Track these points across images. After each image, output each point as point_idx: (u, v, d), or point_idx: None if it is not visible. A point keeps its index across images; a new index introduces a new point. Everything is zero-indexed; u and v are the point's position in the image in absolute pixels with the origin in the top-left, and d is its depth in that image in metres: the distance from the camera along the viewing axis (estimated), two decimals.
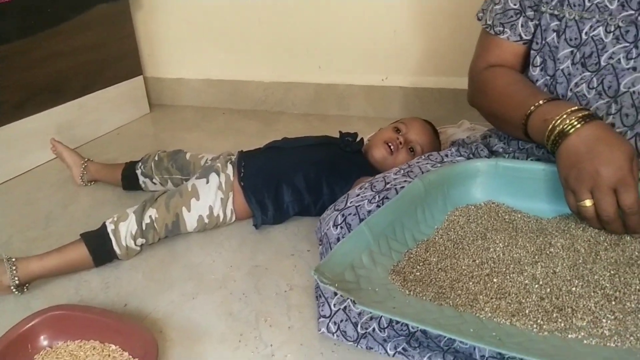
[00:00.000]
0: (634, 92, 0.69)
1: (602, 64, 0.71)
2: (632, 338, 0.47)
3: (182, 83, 1.85)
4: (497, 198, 0.74)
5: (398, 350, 0.70)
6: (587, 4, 0.71)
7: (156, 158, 1.16)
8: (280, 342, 0.74)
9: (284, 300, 0.83)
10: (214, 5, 1.68)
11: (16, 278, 0.82)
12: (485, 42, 0.86)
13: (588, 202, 0.61)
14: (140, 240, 0.92)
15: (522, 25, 0.80)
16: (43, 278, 0.86)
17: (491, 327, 0.50)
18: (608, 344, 0.47)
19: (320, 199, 1.01)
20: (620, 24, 0.69)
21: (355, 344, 0.71)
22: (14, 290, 0.82)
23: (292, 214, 1.03)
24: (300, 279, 0.87)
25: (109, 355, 0.70)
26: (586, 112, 0.66)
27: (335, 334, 0.72)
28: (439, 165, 0.84)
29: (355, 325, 0.71)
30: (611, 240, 0.61)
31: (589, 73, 0.73)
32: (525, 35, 0.80)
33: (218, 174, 1.01)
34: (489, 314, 0.52)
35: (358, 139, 1.11)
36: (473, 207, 0.73)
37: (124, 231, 0.90)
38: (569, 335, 0.49)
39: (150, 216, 0.93)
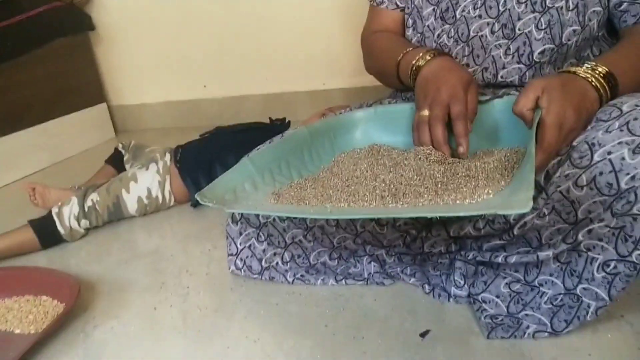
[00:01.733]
0: (481, 35, 0.80)
1: (457, 16, 0.83)
2: (440, 201, 0.55)
3: (145, 108, 1.98)
4: (379, 140, 0.83)
5: (297, 277, 0.78)
6: None
7: (133, 143, 1.33)
8: (197, 284, 0.82)
9: (207, 256, 0.91)
10: (167, 35, 1.82)
11: None
12: (371, 14, 0.98)
13: (425, 112, 0.71)
14: (84, 222, 1.01)
15: None
16: None
17: (330, 209, 0.58)
18: (419, 205, 0.55)
19: None
20: None
21: (260, 277, 0.79)
22: None
23: None
24: (225, 240, 0.95)
25: (41, 304, 0.78)
26: (437, 51, 0.77)
27: (242, 270, 0.80)
28: None
29: (260, 260, 0.79)
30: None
31: (448, 25, 0.84)
32: (401, 3, 0.92)
33: (156, 162, 1.11)
34: (333, 203, 0.60)
35: (286, 122, 1.22)
36: (358, 150, 0.82)
37: (67, 213, 0.99)
38: (390, 205, 0.57)
39: (92, 199, 1.02)
